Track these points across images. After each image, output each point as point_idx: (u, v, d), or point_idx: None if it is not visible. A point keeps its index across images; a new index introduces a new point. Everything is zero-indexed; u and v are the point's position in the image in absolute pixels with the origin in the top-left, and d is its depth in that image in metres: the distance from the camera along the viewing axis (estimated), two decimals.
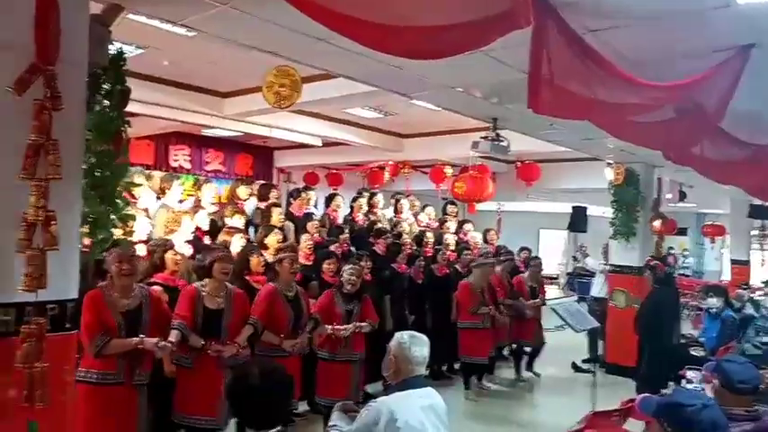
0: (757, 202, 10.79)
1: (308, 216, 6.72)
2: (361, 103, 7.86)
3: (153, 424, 3.85)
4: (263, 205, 6.61)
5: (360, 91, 5.86)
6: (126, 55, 3.38)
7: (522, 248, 8.88)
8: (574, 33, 2.89)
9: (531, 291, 7.57)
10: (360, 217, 7.67)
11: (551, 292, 13.16)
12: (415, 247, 7.23)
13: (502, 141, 6.00)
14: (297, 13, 2.31)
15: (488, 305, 6.72)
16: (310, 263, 5.66)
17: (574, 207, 9.48)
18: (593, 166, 9.44)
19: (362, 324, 4.91)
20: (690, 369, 4.58)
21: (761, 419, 2.52)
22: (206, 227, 5.78)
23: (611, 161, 8.37)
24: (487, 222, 11.30)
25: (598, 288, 8.81)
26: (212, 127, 9.25)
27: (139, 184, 5.22)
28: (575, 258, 16.73)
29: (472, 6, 2.52)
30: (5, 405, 2.40)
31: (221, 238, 5.35)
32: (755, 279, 12.10)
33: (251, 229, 6.26)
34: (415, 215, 8.67)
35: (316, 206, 7.72)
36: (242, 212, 6.31)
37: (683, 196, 10.58)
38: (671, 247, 16.64)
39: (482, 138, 5.97)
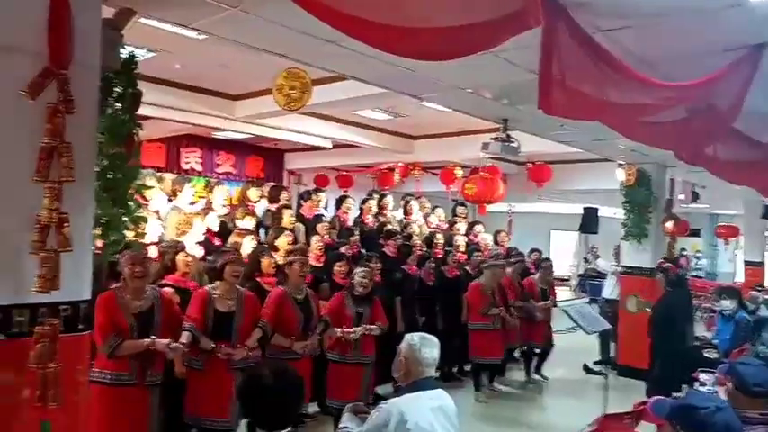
0: None
1: (319, 218, 6.72)
2: (371, 105, 7.89)
3: (165, 424, 3.89)
4: (273, 207, 6.61)
5: (370, 93, 5.88)
6: (137, 58, 3.42)
7: (533, 250, 8.84)
8: (584, 33, 2.87)
9: (542, 292, 7.54)
10: (370, 219, 7.65)
11: (562, 293, 13.12)
12: (425, 249, 7.20)
13: (512, 142, 5.97)
14: (307, 15, 2.32)
15: (499, 306, 6.70)
16: (321, 264, 5.67)
17: (585, 208, 9.43)
18: (604, 167, 9.36)
19: (372, 327, 4.90)
20: (703, 371, 4.55)
21: None
22: (217, 229, 5.80)
23: (622, 162, 8.29)
24: (498, 224, 11.25)
25: (609, 290, 8.73)
26: (223, 129, 9.32)
27: (151, 187, 5.25)
28: (586, 260, 16.69)
29: (481, 7, 2.51)
30: (19, 405, 2.42)
31: (232, 239, 5.37)
32: None
33: (261, 231, 6.26)
34: (426, 217, 8.62)
35: (326, 208, 7.72)
36: (252, 214, 6.32)
37: (695, 197, 10.45)
38: (683, 249, 16.51)
39: (492, 139, 5.95)
